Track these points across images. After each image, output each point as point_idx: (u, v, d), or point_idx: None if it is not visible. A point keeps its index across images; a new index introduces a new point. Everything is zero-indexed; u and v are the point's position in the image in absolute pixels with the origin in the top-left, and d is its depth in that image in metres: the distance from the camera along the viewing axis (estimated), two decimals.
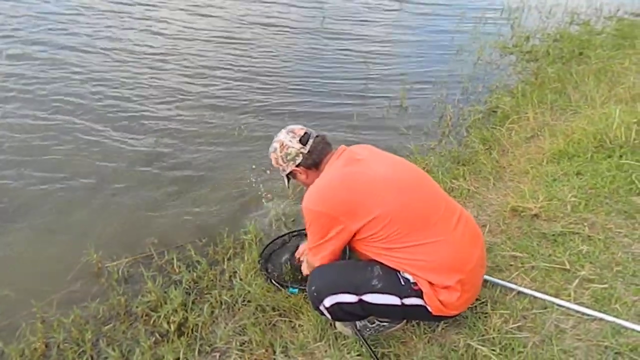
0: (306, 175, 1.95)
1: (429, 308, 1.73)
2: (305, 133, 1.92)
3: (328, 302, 1.77)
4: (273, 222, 2.96)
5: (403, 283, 1.73)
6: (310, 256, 1.90)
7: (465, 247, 1.76)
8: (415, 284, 1.72)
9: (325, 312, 1.81)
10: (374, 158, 1.86)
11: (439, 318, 1.83)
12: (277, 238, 2.67)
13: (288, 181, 2.08)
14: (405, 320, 2.03)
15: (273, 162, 2.01)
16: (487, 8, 7.82)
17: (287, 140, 1.92)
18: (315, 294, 1.80)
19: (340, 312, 1.79)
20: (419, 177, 1.87)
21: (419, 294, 1.72)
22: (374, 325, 1.98)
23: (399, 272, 1.75)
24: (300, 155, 1.90)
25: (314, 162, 1.91)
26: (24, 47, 5.41)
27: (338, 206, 1.73)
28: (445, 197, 1.87)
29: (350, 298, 1.74)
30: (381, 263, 1.78)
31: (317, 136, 1.94)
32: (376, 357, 1.84)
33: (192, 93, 4.67)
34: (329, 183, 1.80)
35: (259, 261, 2.48)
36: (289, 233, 2.71)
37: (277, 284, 2.33)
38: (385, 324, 2.00)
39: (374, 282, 1.74)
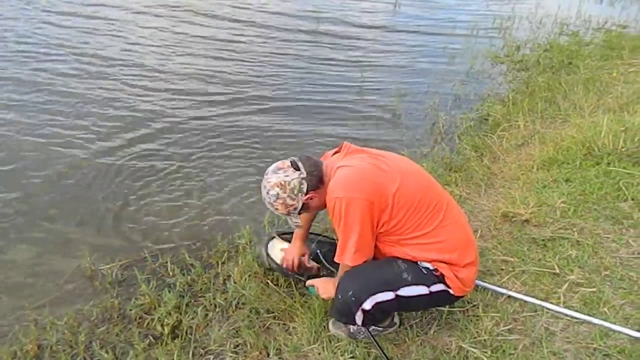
0: (318, 197, 1.85)
1: (451, 291, 1.81)
2: (291, 161, 1.83)
3: (368, 304, 1.76)
4: (267, 226, 2.97)
5: (425, 272, 1.80)
6: (345, 255, 1.78)
7: (468, 229, 1.91)
8: (435, 270, 1.79)
9: (361, 315, 1.79)
10: (383, 153, 1.92)
11: (458, 298, 1.91)
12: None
13: (299, 214, 1.93)
14: (398, 324, 2.06)
15: (281, 210, 1.84)
16: (478, 18, 7.95)
17: (283, 178, 1.79)
18: (353, 298, 1.76)
19: (378, 313, 1.80)
20: (424, 172, 1.98)
21: (441, 279, 1.79)
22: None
23: (417, 262, 1.81)
24: (304, 181, 1.80)
25: (318, 177, 1.82)
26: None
27: (369, 189, 1.71)
28: (444, 191, 1.98)
29: (388, 295, 1.77)
30: (399, 257, 1.83)
31: (299, 157, 1.85)
32: (384, 353, 1.85)
33: (187, 94, 4.70)
34: (354, 171, 1.77)
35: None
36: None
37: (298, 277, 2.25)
38: (380, 328, 2.02)
39: (404, 275, 1.78)
